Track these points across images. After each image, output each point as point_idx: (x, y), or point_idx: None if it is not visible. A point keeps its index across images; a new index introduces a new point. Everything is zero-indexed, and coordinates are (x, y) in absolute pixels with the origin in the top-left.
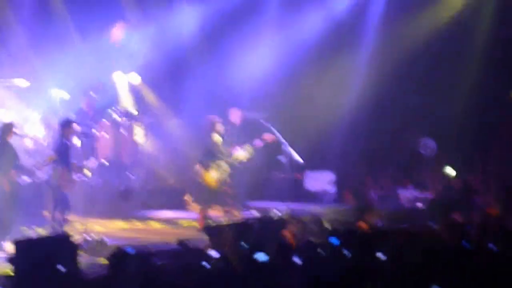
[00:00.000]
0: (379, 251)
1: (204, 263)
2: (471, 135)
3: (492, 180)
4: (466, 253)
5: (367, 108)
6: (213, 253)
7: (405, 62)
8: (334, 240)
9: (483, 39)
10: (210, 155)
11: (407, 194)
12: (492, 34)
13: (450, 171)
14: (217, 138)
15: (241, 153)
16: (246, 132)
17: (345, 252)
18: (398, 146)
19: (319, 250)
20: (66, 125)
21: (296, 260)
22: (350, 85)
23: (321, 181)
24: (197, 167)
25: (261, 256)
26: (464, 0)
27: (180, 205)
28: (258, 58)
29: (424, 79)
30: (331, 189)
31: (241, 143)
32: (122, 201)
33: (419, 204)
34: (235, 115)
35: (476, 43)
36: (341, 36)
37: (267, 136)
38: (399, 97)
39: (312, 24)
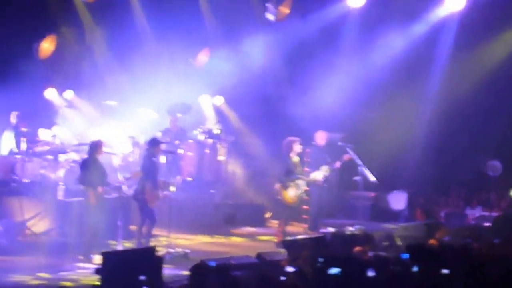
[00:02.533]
0: (446, 266)
1: (280, 276)
2: None
3: None
4: None
5: (438, 131)
6: (289, 267)
7: (475, 88)
8: (405, 256)
9: None
10: (289, 174)
11: (475, 214)
12: None
13: None
14: (295, 158)
15: (318, 173)
16: (329, 153)
17: (414, 267)
18: (466, 167)
19: (390, 265)
20: (153, 143)
21: (368, 274)
22: (423, 109)
23: (394, 200)
24: (277, 186)
25: (334, 270)
26: None
27: (260, 221)
28: (337, 83)
29: (492, 104)
30: (404, 207)
31: (324, 163)
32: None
33: (486, 223)
34: (321, 137)
35: None
36: (415, 62)
37: (346, 157)
38: (467, 121)
39: (388, 50)
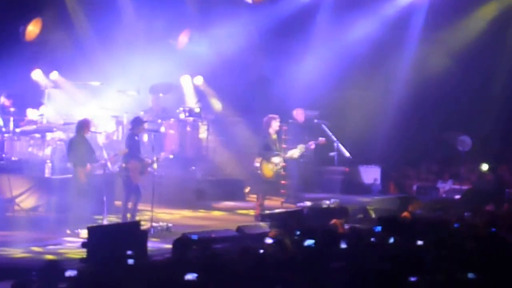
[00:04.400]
0: (419, 237)
1: (259, 248)
2: (502, 131)
3: None
4: (495, 240)
5: (409, 108)
6: (268, 239)
7: (445, 67)
8: (378, 228)
9: None
10: (267, 150)
11: (446, 187)
12: None
13: (484, 165)
14: (274, 135)
15: (295, 151)
16: (306, 130)
17: (389, 239)
18: (437, 143)
19: (364, 237)
20: (136, 122)
21: (343, 245)
22: (394, 87)
23: (367, 174)
24: (257, 160)
25: (310, 242)
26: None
27: (239, 195)
28: (312, 62)
29: (461, 82)
30: (377, 181)
31: (302, 140)
32: (196, 198)
33: (456, 196)
34: (299, 114)
35: (508, 49)
36: (388, 42)
37: (321, 140)
38: (438, 98)
39: (361, 30)
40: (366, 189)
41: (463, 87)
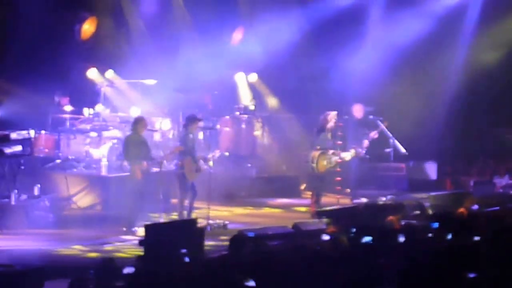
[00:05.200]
0: (475, 234)
1: (315, 245)
2: None
3: None
4: None
5: (462, 104)
6: (324, 236)
7: (497, 62)
8: (434, 224)
9: None
10: (324, 145)
11: (502, 182)
12: None
13: None
14: (330, 131)
15: (347, 154)
16: (361, 125)
17: (446, 235)
18: (491, 138)
19: (420, 233)
20: (192, 120)
21: (399, 241)
22: (447, 82)
23: (424, 170)
24: (314, 153)
25: (367, 239)
26: None
27: (295, 192)
28: (365, 58)
29: None
30: (434, 177)
31: (358, 136)
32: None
33: None
34: (358, 110)
35: None
36: (442, 36)
37: (373, 134)
38: (490, 94)
39: (415, 25)
40: (421, 185)
41: None
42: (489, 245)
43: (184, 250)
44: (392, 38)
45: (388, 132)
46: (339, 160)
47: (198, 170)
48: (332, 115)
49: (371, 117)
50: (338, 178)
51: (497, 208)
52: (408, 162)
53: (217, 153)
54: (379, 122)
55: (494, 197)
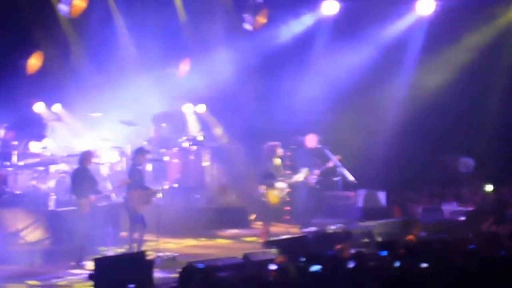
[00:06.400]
0: (424, 260)
1: (264, 274)
2: (501, 151)
3: None
4: (499, 260)
5: (407, 131)
6: (272, 266)
7: (440, 88)
8: (382, 252)
9: (509, 63)
10: (271, 177)
11: (450, 208)
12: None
13: (487, 185)
14: (277, 161)
15: (299, 175)
16: (309, 155)
17: (394, 262)
18: (437, 165)
19: (369, 261)
20: (140, 152)
21: (348, 270)
22: (391, 109)
23: (372, 198)
24: (262, 188)
25: (316, 268)
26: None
27: (244, 223)
28: (309, 87)
29: (457, 102)
30: (382, 205)
31: (306, 165)
32: (202, 227)
33: (461, 217)
34: (312, 140)
35: (504, 67)
36: (385, 65)
37: (329, 164)
38: (434, 121)
39: (359, 55)
40: (369, 213)
41: (460, 107)
42: (437, 271)
43: (132, 286)
44: (336, 68)
45: (337, 161)
46: (289, 190)
47: (147, 202)
48: (277, 145)
49: (319, 145)
50: (287, 208)
51: (445, 234)
52: (358, 190)
53: (166, 185)
54: (327, 151)
55: (442, 224)
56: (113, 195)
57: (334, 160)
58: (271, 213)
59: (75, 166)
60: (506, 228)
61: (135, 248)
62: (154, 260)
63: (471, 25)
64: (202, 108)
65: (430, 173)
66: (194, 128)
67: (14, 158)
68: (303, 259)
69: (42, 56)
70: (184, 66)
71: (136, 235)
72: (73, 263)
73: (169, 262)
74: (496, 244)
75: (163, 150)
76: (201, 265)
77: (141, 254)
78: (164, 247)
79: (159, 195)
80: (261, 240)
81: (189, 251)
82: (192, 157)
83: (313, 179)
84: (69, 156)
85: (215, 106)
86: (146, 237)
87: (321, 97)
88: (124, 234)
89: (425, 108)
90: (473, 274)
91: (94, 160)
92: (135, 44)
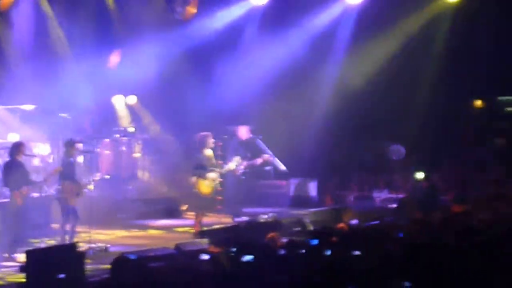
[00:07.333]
0: (355, 248)
1: (196, 265)
2: (436, 138)
3: (454, 179)
4: (428, 247)
5: (338, 119)
6: (203, 256)
7: (370, 76)
8: (313, 240)
9: (439, 52)
10: (203, 167)
11: (382, 196)
12: (447, 47)
13: (418, 173)
14: (209, 152)
15: (231, 164)
16: (241, 145)
17: (324, 251)
18: (368, 152)
19: (300, 249)
20: (70, 144)
21: (279, 258)
22: (321, 98)
23: (304, 187)
24: (193, 178)
25: (248, 257)
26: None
27: (176, 213)
28: (241, 77)
29: (387, 91)
30: (313, 194)
31: (238, 155)
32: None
33: (392, 205)
34: (244, 131)
35: (433, 56)
36: (315, 55)
37: (265, 157)
38: (364, 109)
39: (288, 45)
40: (301, 202)
41: (390, 95)
42: (368, 259)
43: (62, 275)
44: (267, 59)
45: (268, 150)
46: (220, 180)
47: (79, 194)
48: (208, 135)
49: (250, 135)
50: (219, 197)
51: (377, 222)
52: (289, 179)
53: (97, 176)
54: (259, 141)
55: (374, 211)
56: (45, 187)
57: (264, 155)
58: (203, 203)
59: (7, 159)
60: (437, 215)
61: (67, 239)
62: (86, 252)
63: (400, 13)
64: (133, 99)
65: (361, 161)
66: (125, 119)
67: None
68: (235, 249)
69: None
70: (115, 58)
71: (68, 227)
72: (5, 255)
73: (101, 253)
74: (427, 231)
75: (94, 141)
76: (133, 256)
77: (72, 245)
78: (96, 238)
79: (91, 187)
80: (193, 231)
81: (121, 242)
82: (123, 149)
83: (241, 169)
84: (0, 148)
85: (146, 97)
86: (78, 228)
87: (252, 87)
88: (56, 226)
89: (356, 97)
90: (399, 261)
91: (25, 152)
92: (66, 35)
